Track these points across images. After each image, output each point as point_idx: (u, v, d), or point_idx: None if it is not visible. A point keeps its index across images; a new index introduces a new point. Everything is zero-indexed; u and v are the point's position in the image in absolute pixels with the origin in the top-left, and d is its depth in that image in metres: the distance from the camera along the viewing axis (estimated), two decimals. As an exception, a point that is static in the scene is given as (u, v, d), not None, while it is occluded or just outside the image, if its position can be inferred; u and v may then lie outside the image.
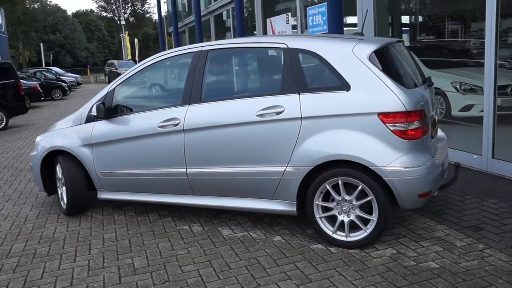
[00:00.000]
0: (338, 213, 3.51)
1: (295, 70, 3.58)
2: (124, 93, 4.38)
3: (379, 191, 3.31)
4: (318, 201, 3.54)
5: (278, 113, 3.54)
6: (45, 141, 4.73)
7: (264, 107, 3.59)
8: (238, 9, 11.82)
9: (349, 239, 3.49)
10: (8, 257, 3.77)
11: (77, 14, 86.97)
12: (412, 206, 3.47)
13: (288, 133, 3.52)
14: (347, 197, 3.44)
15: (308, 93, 3.50)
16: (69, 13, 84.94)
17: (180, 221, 4.33)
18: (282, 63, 3.64)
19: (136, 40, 50.81)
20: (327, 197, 3.54)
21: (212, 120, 3.82)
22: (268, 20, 11.45)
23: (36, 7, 67.60)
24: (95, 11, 79.36)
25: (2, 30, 25.06)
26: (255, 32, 13.03)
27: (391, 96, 3.25)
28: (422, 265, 3.18)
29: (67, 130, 4.61)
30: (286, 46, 3.64)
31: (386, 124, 3.25)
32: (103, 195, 4.53)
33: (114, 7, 69.60)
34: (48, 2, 76.36)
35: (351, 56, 3.41)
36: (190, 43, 18.90)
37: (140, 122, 4.16)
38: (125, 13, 65.77)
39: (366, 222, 3.45)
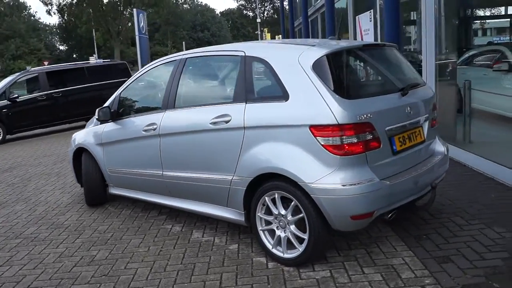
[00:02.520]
0: (276, 227, 3.40)
1: (246, 79, 3.53)
2: (127, 98, 4.76)
3: (309, 209, 3.12)
4: (260, 213, 3.46)
5: (226, 122, 3.55)
6: (76, 138, 5.36)
7: (217, 115, 3.62)
8: (328, 7, 11.58)
9: (285, 255, 3.35)
10: (16, 238, 4.44)
11: (225, 13, 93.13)
12: (345, 228, 3.18)
13: (234, 142, 3.51)
14: (283, 212, 3.31)
15: (253, 103, 3.44)
16: (217, 12, 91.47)
17: (170, 221, 4.56)
18: (238, 71, 3.62)
19: (277, 36, 52.58)
20: (271, 210, 3.44)
21: (178, 126, 3.98)
22: (357, 17, 10.99)
23: (187, 7, 74.16)
24: (241, 8, 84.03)
25: (143, 32, 27.93)
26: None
27: (323, 108, 3.03)
28: (340, 294, 2.93)
29: (90, 129, 5.17)
30: (243, 54, 3.61)
31: (317, 137, 3.04)
32: (112, 190, 5.01)
33: (254, 5, 72.66)
34: (198, 2, 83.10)
35: (295, 64, 3.24)
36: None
37: (132, 125, 4.50)
38: (264, 10, 68.25)
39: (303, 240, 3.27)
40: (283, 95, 3.25)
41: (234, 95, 3.61)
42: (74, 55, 70.43)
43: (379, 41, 6.84)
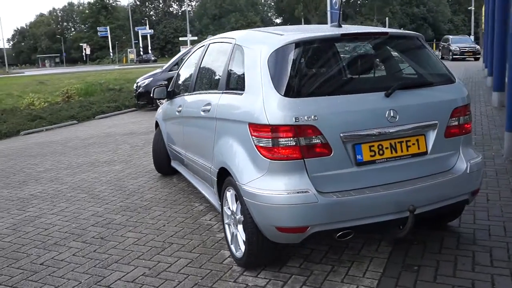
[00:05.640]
0: (233, 224, 3.27)
1: (229, 67, 3.43)
2: (178, 79, 5.05)
3: (245, 211, 2.93)
4: (225, 207, 3.38)
5: (208, 111, 3.53)
6: (157, 113, 5.93)
7: (205, 103, 3.62)
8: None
9: (237, 254, 3.22)
10: (82, 193, 5.22)
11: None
12: (275, 239, 2.87)
13: (211, 131, 3.49)
14: (235, 210, 3.17)
15: (226, 93, 3.34)
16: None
17: (203, 199, 4.72)
18: (226, 60, 3.53)
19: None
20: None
21: (189, 110, 4.13)
22: None
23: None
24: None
25: (336, 7, 27.92)
26: None
27: (260, 105, 2.77)
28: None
29: (163, 105, 5.65)
30: (234, 42, 3.49)
31: (252, 136, 2.81)
32: (172, 163, 5.42)
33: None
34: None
35: (257, 56, 3.02)
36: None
37: (174, 105, 4.82)
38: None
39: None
40: (243, 88, 3.07)
41: (219, 84, 3.56)
42: (288, 28, 74.64)
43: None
